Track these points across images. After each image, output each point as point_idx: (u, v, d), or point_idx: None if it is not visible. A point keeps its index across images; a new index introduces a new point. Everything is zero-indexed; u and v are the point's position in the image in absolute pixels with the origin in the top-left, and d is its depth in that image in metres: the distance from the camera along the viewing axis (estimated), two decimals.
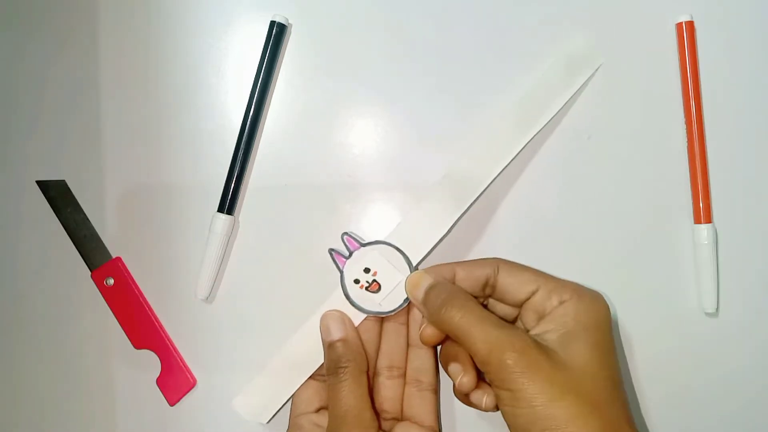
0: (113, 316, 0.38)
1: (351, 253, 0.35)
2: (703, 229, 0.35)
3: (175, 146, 0.38)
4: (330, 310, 0.35)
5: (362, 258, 0.34)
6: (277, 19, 0.37)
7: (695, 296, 0.36)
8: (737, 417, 0.35)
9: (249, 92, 0.37)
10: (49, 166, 0.38)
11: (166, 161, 0.38)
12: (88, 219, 0.38)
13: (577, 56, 0.36)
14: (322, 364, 0.34)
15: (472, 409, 0.32)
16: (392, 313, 0.34)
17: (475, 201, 0.35)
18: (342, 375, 0.32)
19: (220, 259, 0.36)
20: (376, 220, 0.37)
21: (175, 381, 0.37)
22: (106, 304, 0.38)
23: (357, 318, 0.35)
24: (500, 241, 0.36)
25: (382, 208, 0.37)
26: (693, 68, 0.36)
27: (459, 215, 0.35)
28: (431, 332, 0.32)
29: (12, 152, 0.39)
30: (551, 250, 0.36)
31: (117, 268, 0.38)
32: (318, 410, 0.34)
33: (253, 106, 0.37)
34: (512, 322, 0.33)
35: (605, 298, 0.32)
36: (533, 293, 0.32)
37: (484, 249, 0.36)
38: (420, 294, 0.32)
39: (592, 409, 0.27)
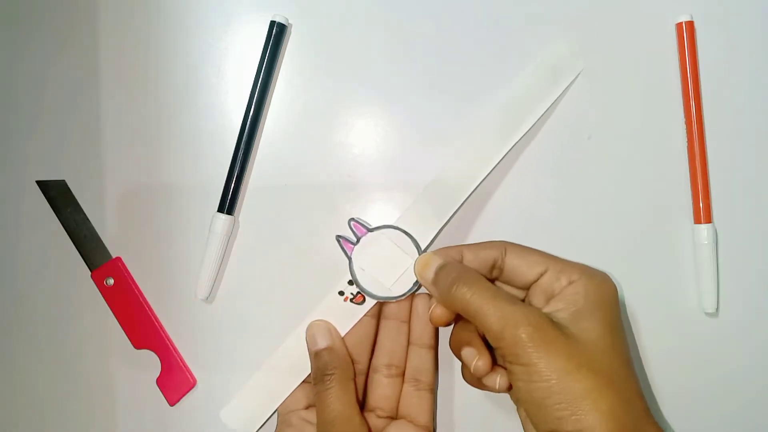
0: (113, 316, 0.38)
1: (359, 239, 0.34)
2: (703, 229, 0.35)
3: (175, 146, 0.38)
4: (315, 321, 0.35)
5: (370, 243, 0.34)
6: (277, 19, 0.37)
7: (695, 296, 0.36)
8: (737, 417, 0.35)
9: (249, 92, 0.37)
10: (49, 166, 0.38)
11: (166, 161, 0.38)
12: (88, 219, 0.38)
13: (559, 62, 0.36)
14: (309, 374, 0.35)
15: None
16: (402, 298, 0.34)
17: (465, 201, 0.35)
18: (329, 382, 0.33)
19: (220, 259, 0.36)
20: (376, 220, 0.37)
21: (175, 381, 0.37)
22: (106, 304, 0.38)
23: (370, 300, 0.34)
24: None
25: (382, 208, 0.37)
26: (693, 68, 0.36)
27: (462, 199, 0.35)
28: (441, 312, 0.32)
29: (12, 152, 0.39)
30: (551, 250, 0.36)
31: (117, 268, 0.38)
32: (307, 407, 0.35)
33: (253, 106, 0.37)
34: None
35: (612, 279, 0.32)
36: (542, 274, 0.31)
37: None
38: (430, 274, 0.32)
39: (606, 383, 0.27)
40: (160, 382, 0.37)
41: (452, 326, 0.34)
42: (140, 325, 0.37)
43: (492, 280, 0.33)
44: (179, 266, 0.38)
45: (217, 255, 0.36)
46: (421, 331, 0.35)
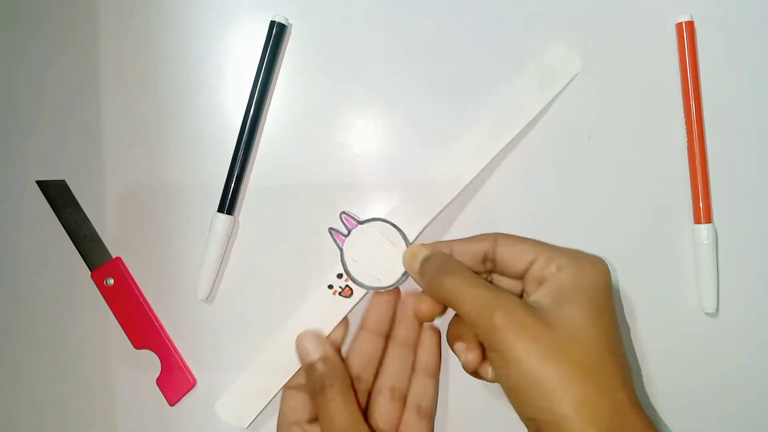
0: (113, 316, 0.38)
1: (349, 231, 0.35)
2: (703, 229, 0.35)
3: (175, 146, 0.38)
4: (304, 332, 0.35)
5: (360, 235, 0.35)
6: (277, 19, 0.37)
7: (695, 296, 0.36)
8: (737, 417, 0.35)
9: (249, 92, 0.37)
10: (49, 166, 0.38)
11: (166, 161, 0.38)
12: (88, 219, 0.38)
13: (556, 64, 0.36)
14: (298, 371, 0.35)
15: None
16: (391, 288, 0.35)
17: (454, 199, 0.35)
18: (330, 394, 0.32)
19: (220, 259, 0.36)
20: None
21: (175, 381, 0.37)
22: (106, 304, 0.38)
23: (358, 292, 0.35)
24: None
25: (382, 208, 0.37)
26: (693, 68, 0.36)
27: (454, 194, 0.35)
28: (426, 306, 0.33)
29: (12, 152, 0.39)
30: None
31: (117, 268, 0.38)
32: (310, 421, 0.34)
33: (253, 106, 0.37)
34: (519, 296, 0.33)
35: (607, 263, 0.31)
36: (532, 262, 0.31)
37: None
38: (416, 265, 0.33)
39: (584, 372, 0.27)
40: (160, 382, 0.37)
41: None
42: (140, 325, 0.37)
43: (488, 273, 0.33)
44: (179, 266, 0.38)
45: (217, 255, 0.36)
46: (427, 360, 0.35)
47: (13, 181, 0.39)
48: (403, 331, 0.35)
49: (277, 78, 0.38)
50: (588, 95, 0.37)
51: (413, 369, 0.35)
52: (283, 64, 0.38)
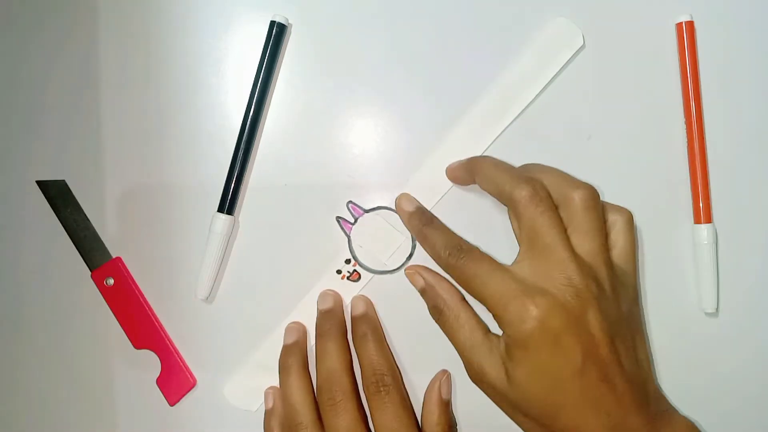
0: (113, 316, 0.38)
1: (356, 219, 0.36)
2: (703, 229, 0.35)
3: (175, 146, 0.38)
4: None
5: (366, 223, 0.36)
6: (277, 19, 0.37)
7: (695, 296, 0.36)
8: (737, 417, 0.35)
9: (249, 92, 0.37)
10: (49, 166, 0.38)
11: (166, 161, 0.38)
12: (88, 219, 0.38)
13: (558, 38, 0.36)
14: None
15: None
16: (396, 271, 0.37)
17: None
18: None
19: (220, 260, 0.37)
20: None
21: (175, 381, 0.37)
22: (106, 304, 0.38)
23: (365, 277, 0.37)
24: (500, 240, 0.36)
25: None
26: (693, 68, 0.36)
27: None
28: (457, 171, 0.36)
29: (12, 152, 0.39)
30: None
31: (117, 268, 0.38)
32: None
33: (253, 106, 0.37)
34: None
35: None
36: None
37: (485, 248, 0.36)
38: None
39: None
40: (160, 382, 0.37)
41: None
42: (140, 325, 0.37)
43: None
44: (179, 266, 0.38)
45: (217, 255, 0.36)
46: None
47: (13, 181, 0.39)
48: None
49: (277, 78, 0.38)
50: (588, 95, 0.37)
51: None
52: (283, 64, 0.38)
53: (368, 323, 0.35)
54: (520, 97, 0.36)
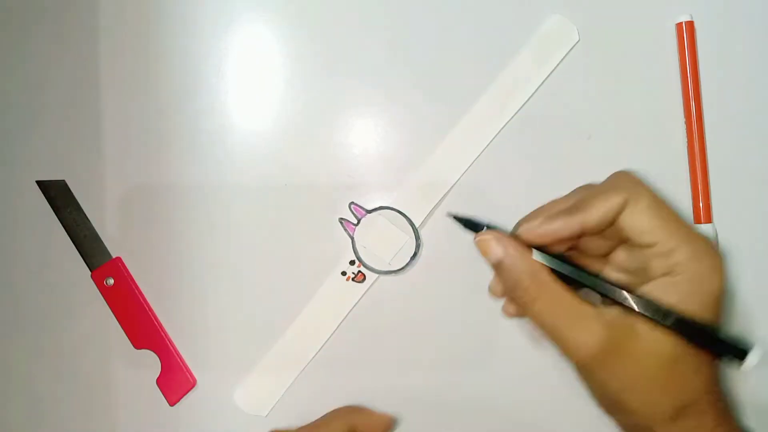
0: (113, 316, 0.38)
1: (359, 220, 0.36)
2: (703, 229, 0.35)
3: (175, 146, 0.38)
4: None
5: (369, 223, 0.36)
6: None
7: None
8: (737, 416, 0.35)
9: (248, 92, 0.37)
10: (49, 166, 0.38)
11: (166, 161, 0.38)
12: (88, 219, 0.38)
13: (552, 34, 0.36)
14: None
15: None
16: (401, 272, 0.36)
17: (469, 167, 0.37)
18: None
19: None
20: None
21: (175, 381, 0.37)
22: (106, 304, 0.38)
23: (370, 278, 0.37)
24: None
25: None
26: (693, 68, 0.36)
27: (456, 179, 0.37)
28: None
29: (12, 152, 0.39)
30: None
31: (117, 268, 0.38)
32: None
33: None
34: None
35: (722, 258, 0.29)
36: (651, 246, 0.28)
37: None
38: (490, 262, 0.30)
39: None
40: (160, 382, 0.37)
41: None
42: (140, 325, 0.37)
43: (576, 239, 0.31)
44: (179, 266, 0.38)
45: None
46: None
47: (13, 181, 0.39)
48: None
49: (283, 78, 0.38)
50: (588, 95, 0.37)
51: None
52: (283, 64, 0.38)
53: None
54: (518, 95, 0.36)
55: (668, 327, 0.27)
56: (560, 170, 0.37)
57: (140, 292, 0.38)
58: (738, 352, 0.28)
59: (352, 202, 0.37)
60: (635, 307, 0.28)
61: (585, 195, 0.30)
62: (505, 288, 0.30)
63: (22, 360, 0.38)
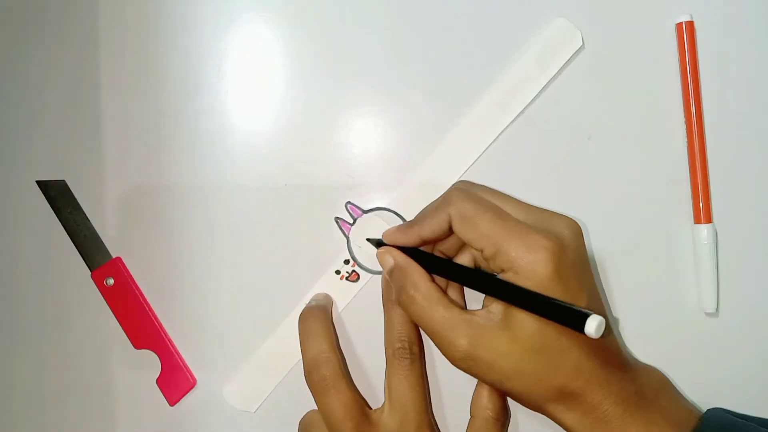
0: (113, 316, 0.38)
1: (355, 220, 0.37)
2: (703, 229, 0.35)
3: (175, 146, 0.38)
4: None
5: (365, 223, 0.37)
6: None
7: (695, 296, 0.36)
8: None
9: (248, 92, 0.37)
10: (49, 166, 0.38)
11: (166, 161, 0.38)
12: (88, 219, 0.38)
13: (557, 39, 0.36)
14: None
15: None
16: None
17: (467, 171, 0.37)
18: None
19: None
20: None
21: (175, 381, 0.37)
22: (106, 304, 0.38)
23: (364, 277, 0.37)
24: None
25: (383, 205, 0.37)
26: (693, 68, 0.36)
27: (454, 180, 0.37)
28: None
29: (12, 152, 0.39)
30: None
31: (117, 268, 0.38)
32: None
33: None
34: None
35: (570, 228, 0.31)
36: (482, 250, 0.31)
37: None
38: (386, 273, 0.34)
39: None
40: (160, 382, 0.37)
41: None
42: (140, 325, 0.37)
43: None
44: (179, 266, 0.38)
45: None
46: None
47: (13, 181, 0.39)
48: None
49: (281, 78, 0.38)
50: (588, 95, 0.37)
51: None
52: (283, 64, 0.38)
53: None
54: (520, 98, 0.36)
55: (526, 309, 0.29)
56: (560, 170, 0.37)
57: (140, 292, 0.38)
58: (577, 320, 0.27)
59: (349, 202, 0.37)
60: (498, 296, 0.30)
61: (426, 208, 0.34)
62: (395, 292, 0.33)
63: (22, 360, 0.38)
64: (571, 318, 0.27)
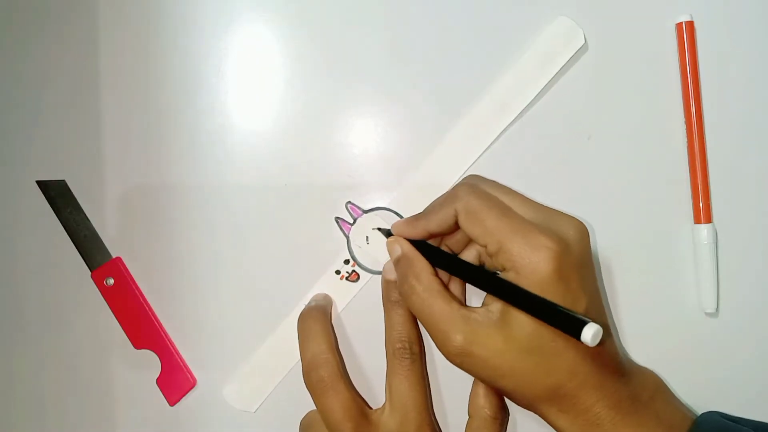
0: (113, 316, 0.38)
1: (355, 220, 0.37)
2: (703, 229, 0.35)
3: (175, 146, 0.38)
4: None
5: (365, 223, 0.37)
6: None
7: (695, 296, 0.36)
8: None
9: (248, 92, 0.37)
10: (49, 166, 0.38)
11: (166, 161, 0.38)
12: (88, 219, 0.38)
13: (558, 37, 0.36)
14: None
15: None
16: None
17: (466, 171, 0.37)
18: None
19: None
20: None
21: (175, 381, 0.37)
22: (106, 304, 0.38)
23: (364, 277, 0.37)
24: None
25: (383, 205, 0.37)
26: (693, 68, 0.36)
27: (455, 180, 0.37)
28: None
29: (12, 152, 0.39)
30: None
31: (117, 268, 0.38)
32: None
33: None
34: None
35: (575, 231, 0.31)
36: (485, 246, 0.31)
37: None
38: (393, 262, 0.34)
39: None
40: (160, 382, 0.37)
41: None
42: (140, 325, 0.37)
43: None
44: (179, 266, 0.38)
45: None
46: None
47: (13, 181, 0.39)
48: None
49: (279, 78, 0.38)
50: (588, 95, 0.37)
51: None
52: (283, 64, 0.38)
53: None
54: (521, 97, 0.36)
55: (523, 310, 0.29)
56: (560, 170, 0.37)
57: (140, 292, 0.38)
58: (575, 326, 0.27)
59: (349, 202, 0.37)
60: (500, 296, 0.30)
61: (434, 201, 0.34)
62: (398, 281, 0.33)
63: (23, 360, 0.38)
64: (568, 324, 0.27)
